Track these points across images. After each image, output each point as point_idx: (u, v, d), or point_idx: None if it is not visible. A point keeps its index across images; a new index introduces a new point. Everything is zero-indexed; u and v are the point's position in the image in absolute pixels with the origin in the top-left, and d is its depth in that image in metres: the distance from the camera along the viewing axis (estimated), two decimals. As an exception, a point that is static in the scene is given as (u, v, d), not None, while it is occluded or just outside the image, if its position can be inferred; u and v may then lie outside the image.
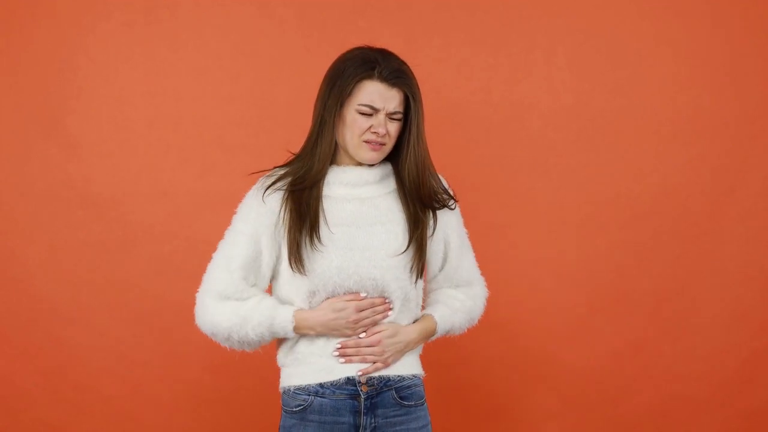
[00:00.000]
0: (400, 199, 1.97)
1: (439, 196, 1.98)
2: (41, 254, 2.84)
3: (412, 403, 1.97)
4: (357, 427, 1.93)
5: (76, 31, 2.84)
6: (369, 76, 1.90)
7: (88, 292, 2.85)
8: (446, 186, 2.04)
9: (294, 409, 1.93)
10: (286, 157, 2.03)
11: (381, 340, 1.91)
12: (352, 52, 1.95)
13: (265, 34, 2.88)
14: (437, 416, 2.91)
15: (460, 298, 2.06)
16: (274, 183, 1.94)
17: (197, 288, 2.82)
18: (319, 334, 1.91)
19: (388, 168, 2.00)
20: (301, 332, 1.92)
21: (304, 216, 1.89)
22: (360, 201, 1.94)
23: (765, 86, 2.94)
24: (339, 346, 1.91)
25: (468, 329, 2.10)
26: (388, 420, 1.94)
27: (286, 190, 1.93)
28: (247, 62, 2.87)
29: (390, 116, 1.91)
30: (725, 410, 2.97)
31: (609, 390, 2.96)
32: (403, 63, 1.95)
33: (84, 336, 2.85)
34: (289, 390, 1.95)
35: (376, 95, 1.89)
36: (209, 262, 1.96)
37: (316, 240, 1.88)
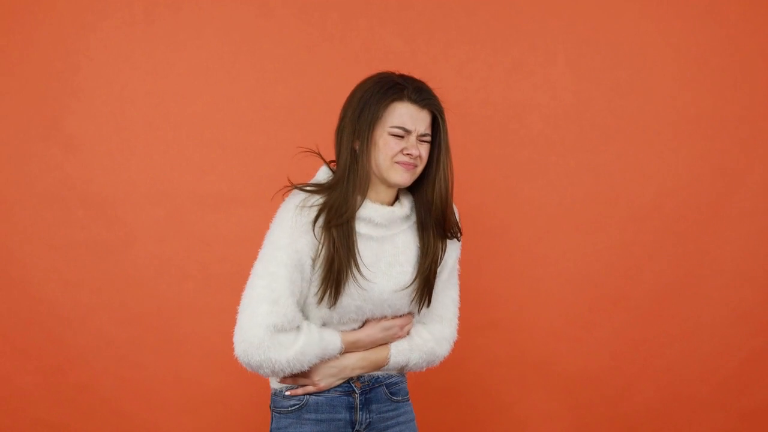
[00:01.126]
0: (417, 231, 1.99)
1: (455, 226, 2.01)
2: (41, 254, 2.84)
3: (400, 398, 2.05)
4: (353, 423, 1.96)
5: (76, 31, 2.84)
6: (399, 98, 1.90)
7: (88, 292, 2.85)
8: (458, 216, 2.06)
9: (289, 409, 1.95)
10: (294, 156, 2.01)
11: (314, 367, 1.94)
12: (374, 78, 1.96)
13: (265, 34, 2.88)
14: (437, 416, 2.91)
15: (424, 336, 2.05)
16: (317, 215, 1.88)
17: (197, 288, 2.85)
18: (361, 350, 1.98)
19: (411, 202, 2.00)
20: (348, 352, 1.96)
21: (345, 254, 1.87)
22: (381, 240, 1.94)
23: (765, 86, 2.94)
24: None
25: (427, 368, 2.10)
26: (381, 415, 2.00)
27: (325, 224, 1.88)
28: (247, 62, 2.87)
29: (420, 138, 1.92)
30: (725, 410, 2.97)
31: (609, 390, 2.96)
32: (425, 84, 1.96)
33: (84, 336, 2.85)
34: (282, 390, 1.96)
35: (407, 117, 1.90)
36: (246, 293, 1.88)
37: (359, 278, 1.89)
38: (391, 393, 2.02)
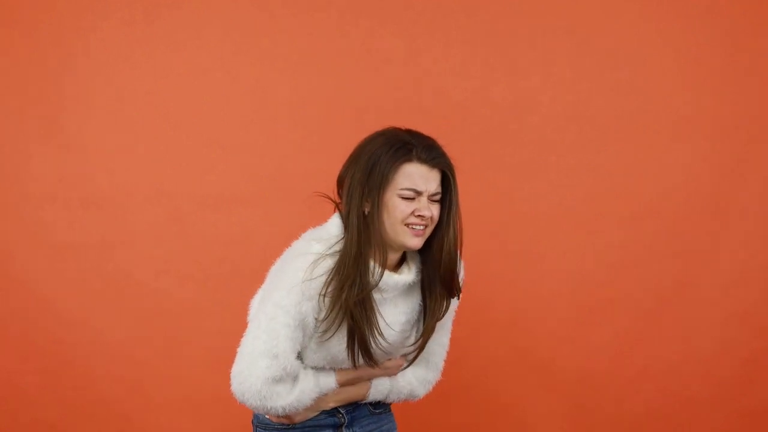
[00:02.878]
0: (421, 290, 1.97)
1: (458, 285, 1.98)
2: (41, 254, 2.84)
3: (381, 410, 2.07)
4: None
5: (76, 31, 2.84)
6: (408, 159, 1.84)
7: (88, 292, 2.85)
8: (463, 271, 2.04)
9: (275, 426, 1.96)
10: (307, 199, 1.98)
11: None
12: (381, 137, 1.89)
13: (265, 34, 2.88)
14: (437, 416, 2.91)
15: (407, 378, 2.07)
16: (327, 285, 1.85)
17: (197, 288, 2.85)
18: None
19: (417, 265, 1.96)
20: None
21: (367, 326, 1.87)
22: (383, 301, 1.92)
23: (765, 86, 2.94)
24: None
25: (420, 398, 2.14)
26: (363, 429, 2.03)
27: (343, 301, 1.85)
28: (247, 62, 2.87)
29: (431, 198, 1.87)
30: (725, 410, 2.96)
31: (609, 390, 2.96)
32: (434, 140, 1.90)
33: (84, 336, 2.85)
34: (265, 417, 1.98)
35: (417, 177, 1.84)
36: (249, 338, 1.87)
37: (382, 342, 1.90)
38: (373, 407, 2.06)
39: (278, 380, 1.83)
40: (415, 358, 2.00)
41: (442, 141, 1.96)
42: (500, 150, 2.92)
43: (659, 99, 2.93)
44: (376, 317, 1.87)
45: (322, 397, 1.95)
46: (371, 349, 1.88)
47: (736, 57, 2.93)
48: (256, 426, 2.01)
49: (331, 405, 1.98)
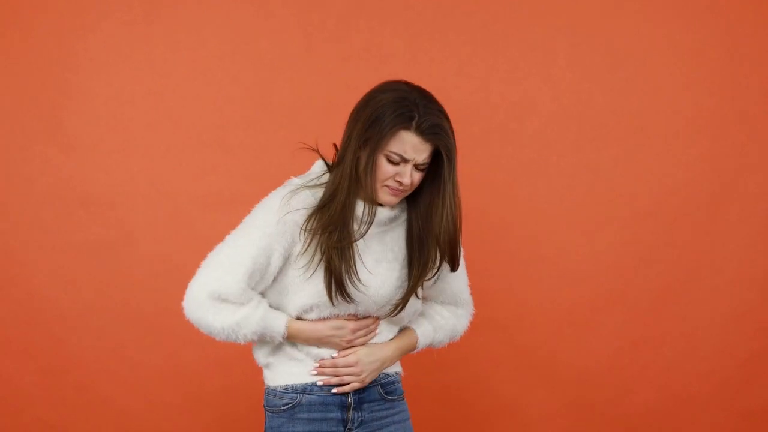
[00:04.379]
0: (407, 236, 1.96)
1: (456, 260, 1.97)
2: (41, 254, 2.84)
3: (395, 397, 2.04)
4: (345, 422, 1.96)
5: (76, 31, 2.84)
6: (406, 127, 1.85)
7: (88, 292, 2.85)
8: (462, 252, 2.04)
9: (282, 408, 1.95)
10: (294, 152, 1.99)
11: (359, 360, 1.94)
12: (393, 91, 1.88)
13: (265, 34, 2.88)
14: (437, 416, 2.91)
15: (444, 315, 2.08)
16: (308, 220, 1.87)
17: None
18: (308, 344, 1.95)
19: (402, 203, 1.97)
20: (291, 340, 1.94)
21: (344, 267, 1.86)
22: (368, 237, 1.92)
23: (765, 86, 2.94)
24: (317, 365, 1.94)
25: (450, 343, 2.12)
26: (373, 414, 1.99)
27: (322, 239, 1.86)
28: (247, 62, 2.87)
29: (417, 166, 1.88)
30: (725, 410, 2.97)
31: (609, 390, 2.96)
32: (443, 115, 1.90)
33: (84, 336, 2.85)
34: (276, 389, 1.96)
35: (409, 146, 1.85)
36: (212, 252, 1.90)
37: (357, 283, 1.88)
38: (386, 392, 2.02)
39: (223, 299, 1.85)
40: (396, 307, 1.95)
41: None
42: (500, 150, 2.92)
43: (659, 99, 2.93)
44: (355, 261, 1.87)
45: (384, 355, 1.97)
46: (347, 289, 1.87)
47: (736, 57, 2.94)
48: (266, 409, 2.00)
49: (395, 360, 1.99)
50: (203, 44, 2.87)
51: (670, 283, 2.95)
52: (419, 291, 1.99)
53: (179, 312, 2.95)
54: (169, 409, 2.87)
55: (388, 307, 1.95)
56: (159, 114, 2.86)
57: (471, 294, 2.12)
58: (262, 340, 1.94)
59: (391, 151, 1.86)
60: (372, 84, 2.89)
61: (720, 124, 2.94)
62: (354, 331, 1.95)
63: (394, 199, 1.90)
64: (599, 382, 2.95)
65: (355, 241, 1.87)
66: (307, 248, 1.87)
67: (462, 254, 2.06)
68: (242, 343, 1.91)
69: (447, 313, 2.08)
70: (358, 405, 1.97)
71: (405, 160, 1.86)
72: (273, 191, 1.94)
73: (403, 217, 1.97)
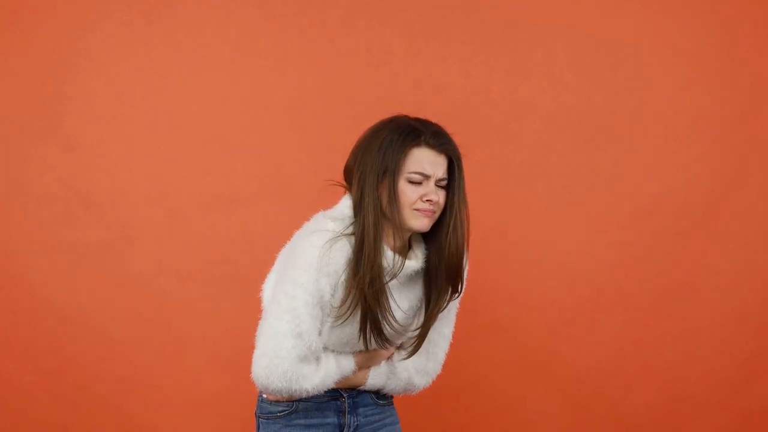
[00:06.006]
0: (424, 277, 1.98)
1: (461, 281, 1.98)
2: (41, 254, 2.84)
3: (385, 402, 2.07)
4: (341, 426, 1.99)
5: (76, 31, 2.84)
6: (417, 144, 1.88)
7: (88, 292, 2.85)
8: (467, 268, 2.04)
9: (278, 414, 1.96)
10: (323, 188, 1.98)
11: None
12: (389, 125, 1.92)
13: (265, 34, 2.88)
14: (437, 416, 2.91)
15: (407, 367, 2.06)
16: (344, 270, 1.88)
17: (197, 288, 2.85)
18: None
19: (423, 252, 1.97)
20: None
21: (380, 310, 1.89)
22: (392, 285, 1.93)
23: (765, 86, 2.94)
24: None
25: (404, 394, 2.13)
26: (367, 418, 2.03)
27: (358, 286, 1.87)
28: (248, 62, 2.87)
29: (438, 184, 1.90)
30: (725, 410, 2.97)
31: (609, 390, 2.96)
32: (441, 127, 1.94)
33: (84, 336, 2.85)
34: (269, 407, 1.98)
35: (425, 162, 1.88)
36: (268, 323, 1.87)
37: (395, 324, 1.91)
38: (377, 397, 2.06)
39: (304, 360, 1.84)
40: (416, 348, 2.00)
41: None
42: (500, 150, 2.92)
43: (659, 99, 2.93)
44: (388, 300, 1.89)
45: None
46: (384, 332, 1.90)
47: (736, 57, 2.93)
48: (259, 417, 2.01)
49: (332, 387, 1.99)
50: (203, 44, 2.87)
51: (670, 283, 2.95)
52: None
53: (178, 312, 2.95)
54: (169, 409, 2.87)
55: (407, 345, 2.03)
56: (159, 114, 2.86)
57: (447, 355, 2.11)
58: None
59: (410, 172, 1.87)
60: (372, 83, 2.91)
61: (720, 124, 2.94)
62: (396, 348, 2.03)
63: (427, 221, 1.89)
64: (599, 382, 2.95)
65: (388, 282, 1.88)
66: (346, 298, 1.87)
67: (456, 310, 2.08)
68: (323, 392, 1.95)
69: (410, 366, 2.06)
70: (354, 409, 2.00)
71: (426, 177, 1.88)
72: (307, 237, 1.88)
73: (423, 267, 1.98)
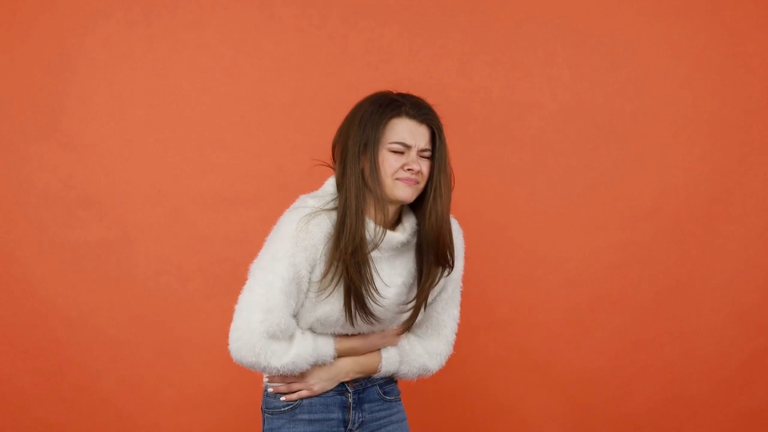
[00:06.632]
0: (416, 252, 1.98)
1: (448, 254, 1.97)
2: (41, 254, 2.84)
3: (393, 398, 2.07)
4: (346, 422, 1.98)
5: (76, 31, 2.84)
6: (397, 114, 1.91)
7: (88, 292, 2.85)
8: (460, 239, 2.05)
9: (282, 409, 1.96)
10: (310, 169, 2.00)
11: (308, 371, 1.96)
12: (371, 98, 1.96)
13: (265, 34, 2.88)
14: (438, 416, 2.91)
15: (417, 351, 2.07)
16: (325, 241, 1.90)
17: (197, 288, 2.85)
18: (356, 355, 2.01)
19: (413, 225, 1.98)
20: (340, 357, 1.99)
21: (363, 283, 1.89)
22: (378, 260, 1.94)
23: (765, 86, 2.94)
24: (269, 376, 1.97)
25: (418, 379, 2.13)
26: (373, 414, 2.02)
27: (340, 256, 1.88)
28: (247, 62, 2.87)
29: (420, 154, 1.91)
30: (725, 410, 2.97)
31: (609, 390, 2.96)
32: (423, 99, 1.97)
33: (84, 336, 2.85)
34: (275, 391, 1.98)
35: (406, 132, 1.90)
36: (244, 294, 1.91)
37: (377, 297, 1.91)
38: (384, 393, 2.05)
39: (273, 336, 1.86)
40: (411, 322, 1.99)
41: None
42: (500, 150, 2.92)
43: (659, 99, 2.93)
44: (371, 273, 1.90)
45: (338, 368, 1.97)
46: (368, 306, 1.90)
47: (736, 57, 2.94)
48: (264, 411, 2.01)
49: (351, 376, 1.99)
50: (203, 44, 2.87)
51: (670, 283, 2.95)
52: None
53: (178, 312, 2.96)
54: (169, 409, 2.87)
55: (399, 322, 2.00)
56: (159, 114, 2.86)
57: (456, 335, 2.11)
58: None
59: (391, 142, 1.89)
60: (372, 83, 2.89)
61: (720, 124, 2.94)
62: (398, 335, 2.02)
63: (410, 191, 1.90)
64: (599, 382, 2.95)
65: (369, 252, 1.89)
66: (327, 273, 1.88)
67: (460, 289, 2.09)
68: (298, 374, 1.94)
69: (420, 349, 2.07)
70: (359, 405, 1.99)
71: (407, 147, 1.90)
72: (287, 213, 1.93)
73: (414, 241, 1.98)
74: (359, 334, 1.99)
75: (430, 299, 2.03)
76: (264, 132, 2.87)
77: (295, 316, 1.93)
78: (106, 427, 2.86)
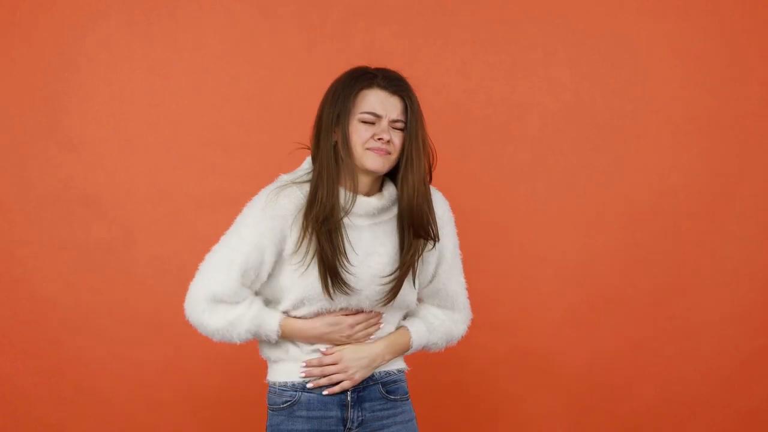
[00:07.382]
0: (397, 224, 1.97)
1: (428, 227, 1.95)
2: (41, 254, 2.84)
3: (398, 397, 2.02)
4: (344, 421, 1.96)
5: (76, 31, 2.84)
6: (368, 86, 1.91)
7: (88, 292, 2.85)
8: (445, 209, 2.03)
9: (281, 406, 1.95)
10: (291, 152, 2.02)
11: (343, 357, 1.94)
12: (347, 72, 1.97)
13: (265, 34, 2.88)
14: (438, 415, 2.91)
15: (440, 316, 2.06)
16: (293, 216, 1.90)
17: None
18: (307, 342, 1.96)
19: (393, 194, 1.98)
20: (287, 338, 1.95)
21: (333, 251, 1.88)
22: (360, 229, 1.94)
23: (765, 86, 2.94)
24: (303, 364, 1.95)
25: (447, 347, 2.10)
26: (374, 414, 1.99)
27: (313, 225, 1.88)
28: (247, 62, 2.87)
29: (392, 125, 1.91)
30: (725, 410, 2.97)
31: (609, 390, 2.96)
32: (399, 73, 1.97)
33: (84, 336, 2.85)
34: (275, 386, 1.97)
35: (376, 102, 1.90)
36: (208, 255, 1.95)
37: (348, 265, 1.89)
38: (387, 392, 2.01)
39: (219, 299, 1.89)
40: (393, 294, 1.94)
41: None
42: (500, 150, 2.92)
43: (659, 99, 2.93)
44: (343, 240, 1.90)
45: (373, 352, 1.95)
46: (341, 275, 1.88)
47: (736, 57, 2.94)
48: (268, 407, 2.00)
49: (387, 359, 1.98)
50: (203, 44, 2.87)
51: (669, 283, 2.95)
52: (416, 283, 1.99)
53: (179, 312, 2.94)
54: (169, 409, 2.87)
55: (381, 296, 1.94)
56: (159, 114, 2.86)
57: (469, 299, 2.10)
58: (258, 338, 1.95)
59: (361, 112, 1.90)
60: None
61: (720, 124, 2.94)
62: (352, 326, 1.95)
63: (381, 161, 1.90)
64: (599, 382, 2.95)
65: (341, 219, 1.89)
66: (300, 244, 1.89)
67: (459, 257, 2.08)
68: (238, 342, 1.94)
69: (443, 316, 2.06)
70: (358, 403, 1.97)
71: (378, 117, 1.90)
72: (262, 189, 1.97)
73: (395, 210, 1.98)
74: (343, 309, 1.94)
75: (429, 276, 2.01)
76: (264, 132, 2.87)
77: (258, 292, 1.95)
78: (106, 427, 2.86)
